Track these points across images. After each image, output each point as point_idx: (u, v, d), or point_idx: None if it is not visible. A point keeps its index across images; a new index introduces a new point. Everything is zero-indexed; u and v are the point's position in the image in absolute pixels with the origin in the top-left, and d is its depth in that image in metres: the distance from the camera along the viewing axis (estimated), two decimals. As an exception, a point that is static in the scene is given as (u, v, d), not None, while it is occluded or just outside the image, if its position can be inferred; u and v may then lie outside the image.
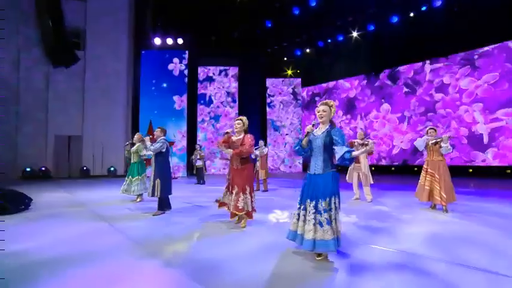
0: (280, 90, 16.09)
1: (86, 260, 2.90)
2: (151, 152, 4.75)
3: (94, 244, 3.43)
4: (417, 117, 12.81)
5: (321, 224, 2.67)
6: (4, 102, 11.29)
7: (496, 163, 10.98)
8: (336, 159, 2.78)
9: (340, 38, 12.91)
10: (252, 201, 4.09)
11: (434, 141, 4.99)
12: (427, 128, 5.19)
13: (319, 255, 2.81)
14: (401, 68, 12.96)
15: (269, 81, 16.13)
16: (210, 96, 15.03)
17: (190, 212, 5.25)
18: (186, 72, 13.80)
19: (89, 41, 13.07)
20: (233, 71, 15.15)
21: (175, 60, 13.71)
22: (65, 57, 12.72)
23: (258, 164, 7.92)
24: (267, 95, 16.27)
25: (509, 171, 10.99)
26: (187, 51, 13.76)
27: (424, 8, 11.58)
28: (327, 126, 2.85)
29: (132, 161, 6.27)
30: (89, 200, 6.51)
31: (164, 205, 4.95)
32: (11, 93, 11.75)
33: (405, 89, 12.95)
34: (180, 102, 13.65)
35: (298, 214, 2.88)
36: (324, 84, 15.97)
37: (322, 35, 13.25)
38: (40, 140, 12.31)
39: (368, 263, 2.75)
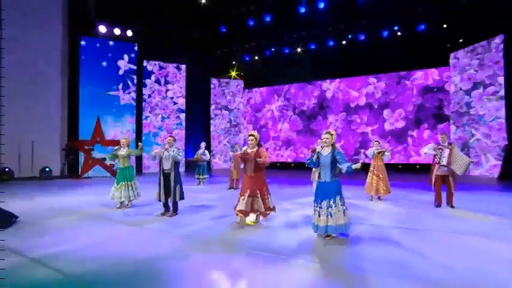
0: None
1: (170, 260, 3.38)
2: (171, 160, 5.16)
3: (152, 246, 3.80)
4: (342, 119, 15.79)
5: (331, 215, 3.96)
6: None
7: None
8: (344, 171, 4.10)
9: (286, 51, 14.66)
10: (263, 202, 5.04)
11: (378, 151, 6.98)
12: (373, 141, 7.17)
13: (328, 236, 4.08)
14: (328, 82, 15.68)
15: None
16: (159, 92, 14.61)
17: (194, 212, 5.78)
18: (133, 64, 13.13)
19: (7, 16, 10.87)
20: (181, 68, 15.12)
21: (122, 51, 12.86)
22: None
23: (232, 164, 8.76)
24: (211, 97, 17.12)
25: (400, 167, 15.02)
26: (136, 44, 13.08)
27: (350, 36, 14.38)
28: (331, 148, 4.16)
29: (122, 166, 6.23)
30: (67, 206, 6.14)
31: (177, 207, 5.43)
32: None
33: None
34: (126, 96, 12.94)
35: (315, 211, 4.13)
36: (263, 89, 17.70)
37: (269, 46, 14.72)
38: None
39: (359, 236, 4.27)
